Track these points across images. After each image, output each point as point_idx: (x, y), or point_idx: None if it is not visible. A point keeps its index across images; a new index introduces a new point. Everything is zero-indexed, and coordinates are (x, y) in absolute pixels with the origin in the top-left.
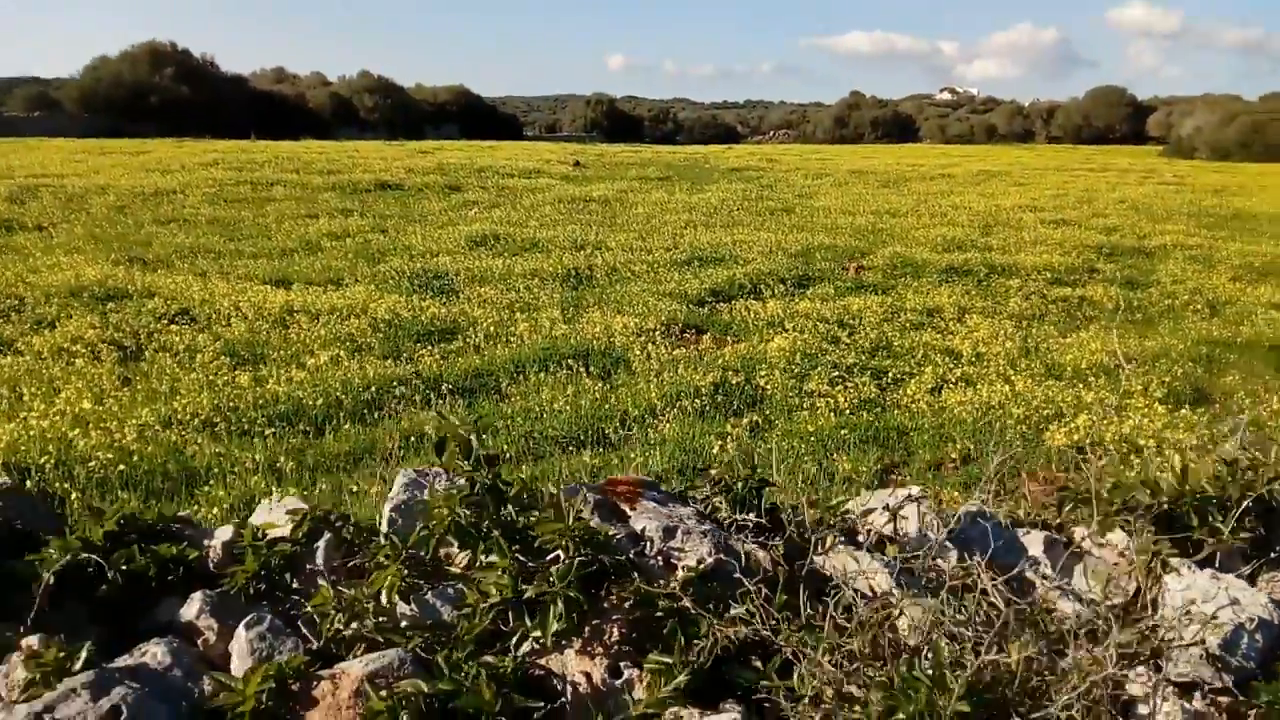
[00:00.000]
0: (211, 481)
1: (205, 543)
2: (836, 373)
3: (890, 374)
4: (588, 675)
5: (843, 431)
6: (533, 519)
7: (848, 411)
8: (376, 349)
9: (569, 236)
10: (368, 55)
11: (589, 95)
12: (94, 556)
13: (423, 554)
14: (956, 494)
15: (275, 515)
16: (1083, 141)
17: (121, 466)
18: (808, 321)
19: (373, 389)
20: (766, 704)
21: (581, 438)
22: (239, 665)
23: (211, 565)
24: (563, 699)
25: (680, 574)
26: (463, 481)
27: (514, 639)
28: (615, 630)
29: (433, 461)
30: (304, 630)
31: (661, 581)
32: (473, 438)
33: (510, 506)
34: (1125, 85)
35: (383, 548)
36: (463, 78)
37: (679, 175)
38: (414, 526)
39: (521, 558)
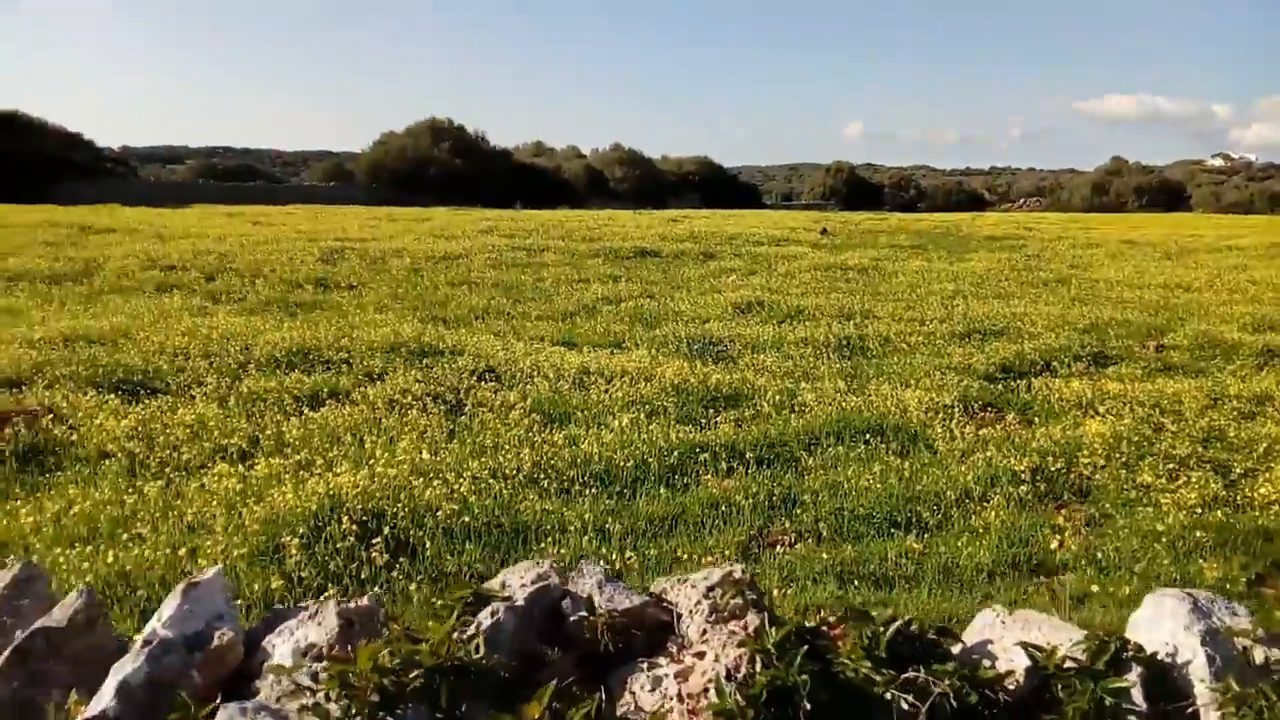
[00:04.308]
0: (544, 540)
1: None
2: (1170, 464)
3: (1236, 469)
4: None
5: (1197, 533)
6: None
7: (1196, 509)
8: (672, 413)
9: (833, 304)
10: (615, 125)
11: (827, 164)
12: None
13: None
14: None
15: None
16: None
17: (466, 518)
18: (1119, 404)
19: (676, 453)
20: None
21: (895, 518)
22: None
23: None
24: None
25: None
26: None
27: None
28: None
29: None
30: None
31: None
32: None
33: None
34: None
35: None
36: (702, 147)
37: (932, 244)
38: None
39: None
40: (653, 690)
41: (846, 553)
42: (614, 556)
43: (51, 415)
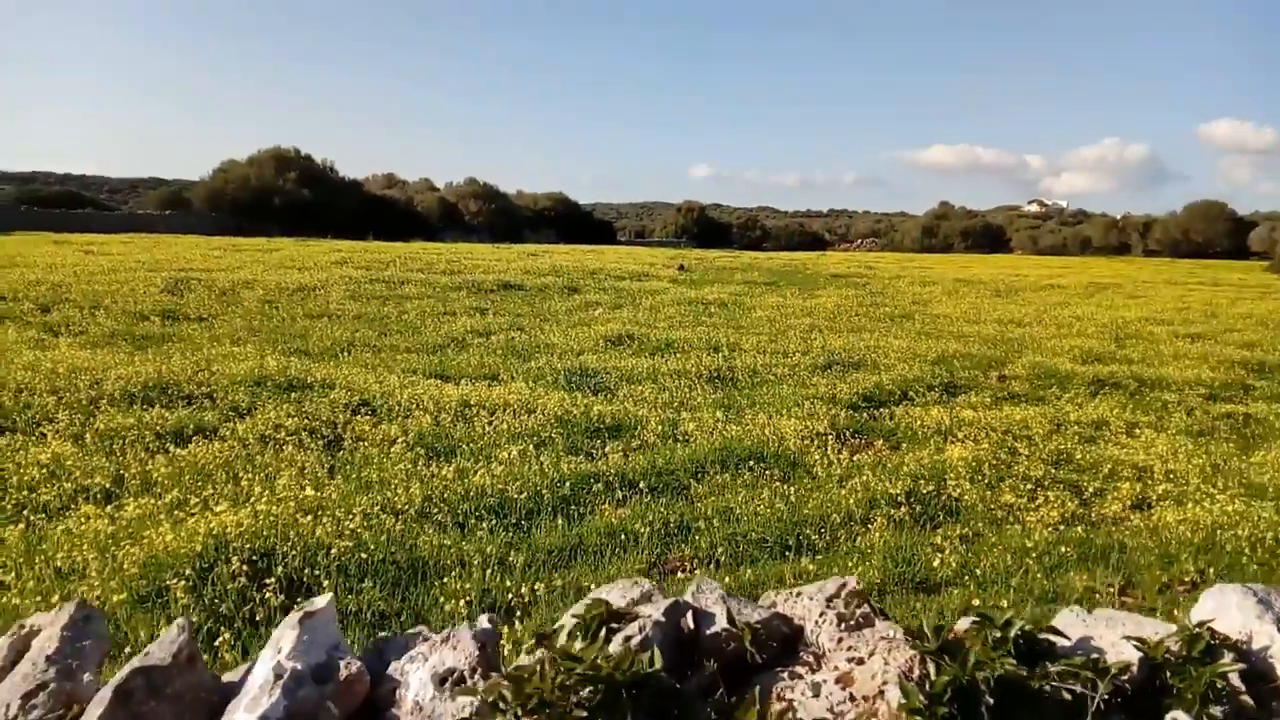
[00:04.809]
0: (447, 576)
1: None
2: (1028, 485)
3: (1087, 488)
4: None
5: (1061, 548)
6: None
7: (1059, 526)
8: (559, 444)
9: (700, 338)
10: (467, 159)
11: (679, 203)
12: None
13: None
14: None
15: None
16: (1181, 255)
17: (363, 555)
18: (975, 430)
19: (568, 484)
20: None
21: (786, 541)
22: None
23: None
24: None
25: None
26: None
27: None
28: None
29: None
30: None
31: None
32: None
33: None
34: (1222, 199)
35: None
36: (556, 183)
37: (784, 280)
38: None
39: None
40: (815, 695)
41: (745, 575)
42: (521, 589)
43: None
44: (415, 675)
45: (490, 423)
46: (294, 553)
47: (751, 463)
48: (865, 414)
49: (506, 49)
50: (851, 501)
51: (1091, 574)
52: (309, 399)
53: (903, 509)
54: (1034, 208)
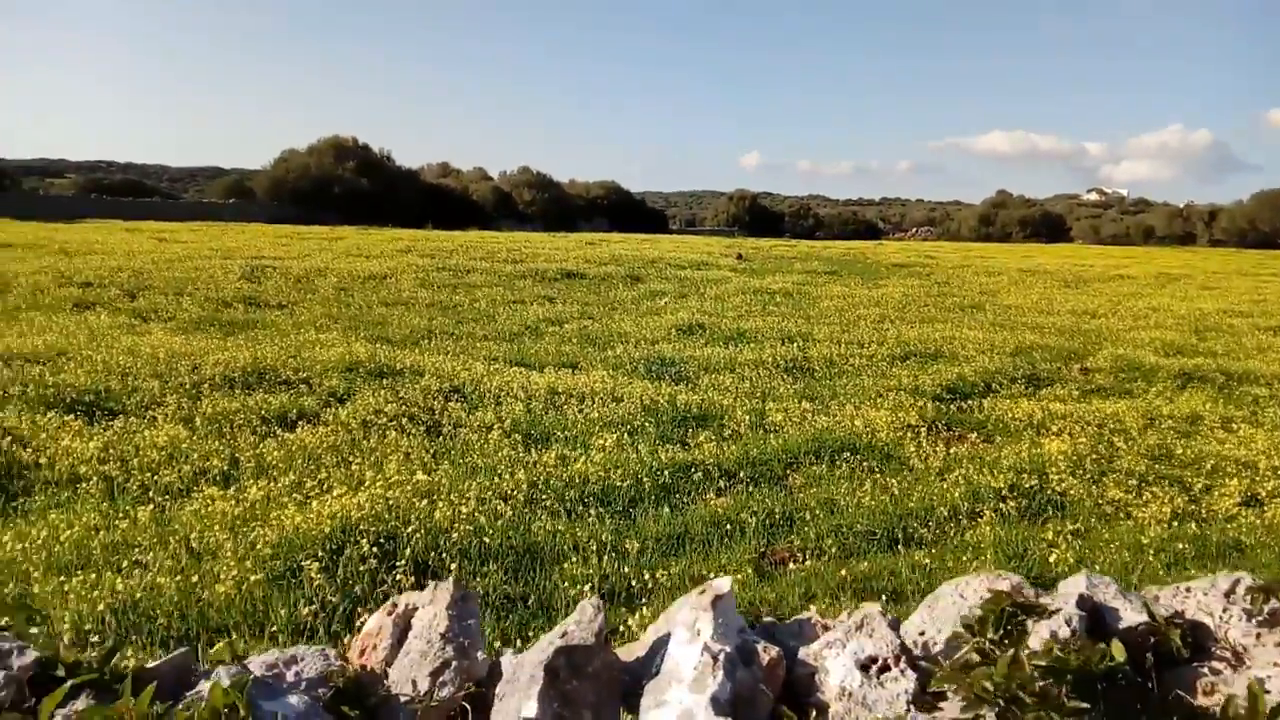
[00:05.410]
0: (565, 561)
1: None
2: (1131, 480)
3: (1194, 484)
4: None
5: (1178, 544)
6: None
7: (1170, 522)
8: (651, 432)
9: (771, 327)
10: (521, 148)
11: (730, 191)
12: None
13: None
14: None
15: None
16: (1248, 245)
17: (484, 539)
18: (1069, 424)
19: (666, 472)
20: None
21: (893, 534)
22: None
23: None
24: None
25: None
26: None
27: None
28: None
29: None
30: None
31: None
32: None
33: None
34: None
35: None
36: (607, 172)
37: (844, 269)
38: None
39: None
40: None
41: (860, 568)
42: (644, 576)
43: (10, 437)
44: (836, 661)
45: (581, 410)
46: (418, 536)
47: (846, 454)
48: (952, 406)
49: (555, 37)
50: (956, 495)
51: (1211, 570)
52: (401, 385)
53: (1009, 503)
54: (1093, 196)
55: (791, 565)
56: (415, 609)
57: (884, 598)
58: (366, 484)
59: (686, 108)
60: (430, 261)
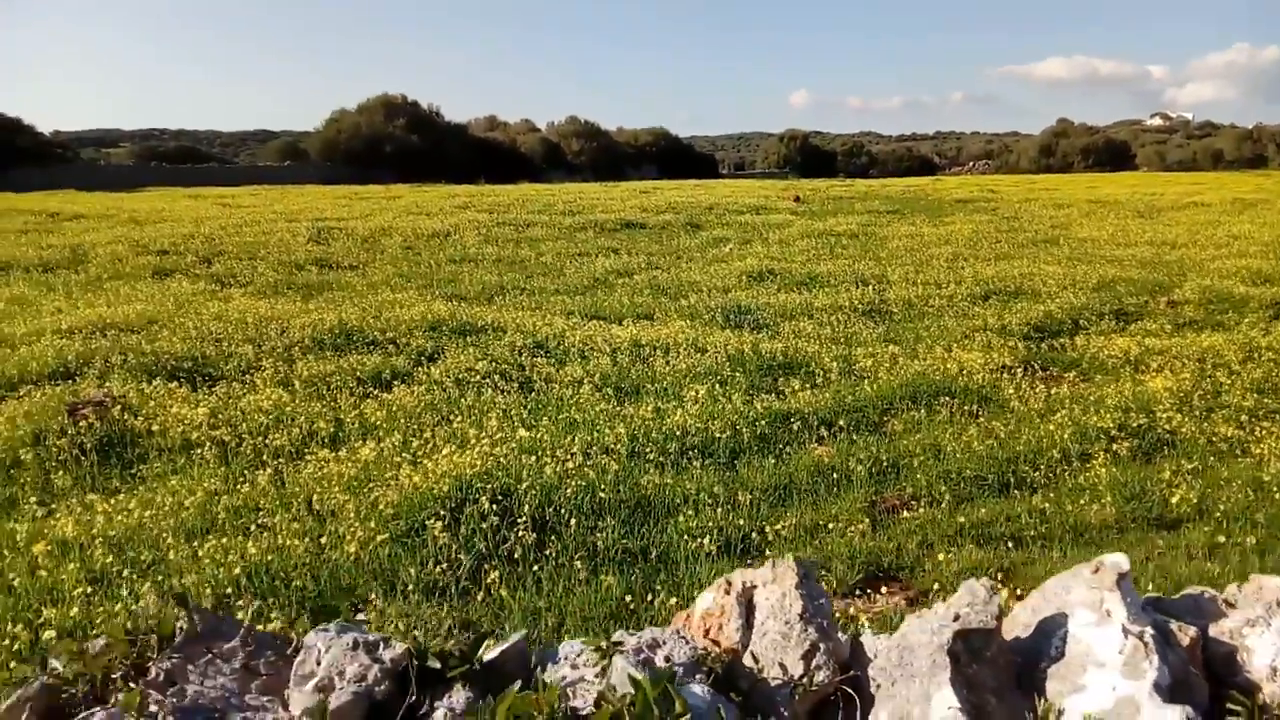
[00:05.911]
0: (679, 515)
1: None
2: (1241, 415)
3: None
4: None
5: None
6: None
7: None
8: (741, 382)
9: (842, 271)
10: (564, 97)
11: (780, 132)
12: None
13: None
14: None
15: None
16: None
17: (598, 494)
18: (1167, 360)
19: (763, 421)
20: None
21: (1005, 479)
22: None
23: None
24: None
25: None
26: None
27: None
28: None
29: None
30: None
31: None
32: None
33: None
34: None
35: None
36: (653, 118)
37: (907, 208)
38: None
39: None
40: None
41: (977, 514)
42: (765, 529)
43: (120, 405)
44: (1261, 640)
45: (668, 362)
46: (533, 492)
47: (943, 398)
48: (1043, 345)
49: None
50: (1064, 436)
51: None
52: (487, 342)
53: (1119, 444)
54: (1157, 121)
55: (905, 514)
56: (754, 587)
57: (1007, 543)
58: (472, 442)
59: (731, 48)
60: (489, 217)
